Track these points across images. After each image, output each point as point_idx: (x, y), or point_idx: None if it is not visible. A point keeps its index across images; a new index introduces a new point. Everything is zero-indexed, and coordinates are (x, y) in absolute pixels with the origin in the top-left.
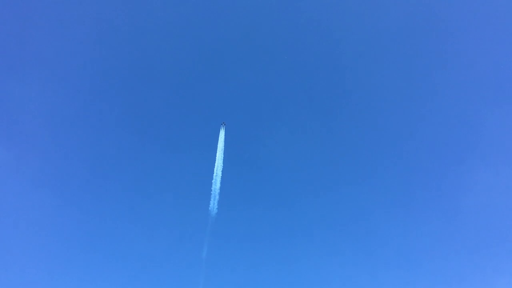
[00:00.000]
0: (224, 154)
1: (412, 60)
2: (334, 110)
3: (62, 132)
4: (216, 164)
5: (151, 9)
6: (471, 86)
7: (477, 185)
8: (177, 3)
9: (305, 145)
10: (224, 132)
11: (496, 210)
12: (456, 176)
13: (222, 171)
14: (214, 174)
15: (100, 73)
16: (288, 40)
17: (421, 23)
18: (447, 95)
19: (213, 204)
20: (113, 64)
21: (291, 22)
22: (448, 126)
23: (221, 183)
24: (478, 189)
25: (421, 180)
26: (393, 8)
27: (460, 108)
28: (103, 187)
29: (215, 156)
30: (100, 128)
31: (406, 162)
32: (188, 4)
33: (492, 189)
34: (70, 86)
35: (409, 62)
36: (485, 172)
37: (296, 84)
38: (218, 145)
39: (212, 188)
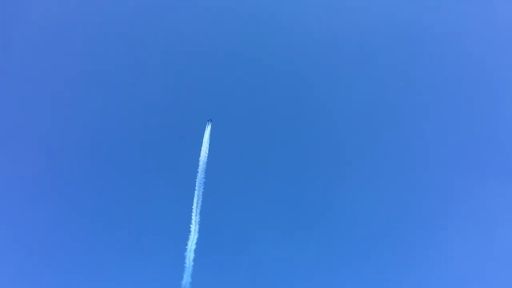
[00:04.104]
0: (199, 225)
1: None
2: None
3: None
4: (190, 238)
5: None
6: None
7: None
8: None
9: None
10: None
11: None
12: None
13: (196, 243)
14: (188, 248)
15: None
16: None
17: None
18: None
19: (186, 278)
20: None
21: None
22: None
23: (194, 254)
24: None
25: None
26: None
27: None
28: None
29: (190, 229)
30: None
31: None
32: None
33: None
34: None
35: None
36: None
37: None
38: (192, 229)
39: (186, 261)
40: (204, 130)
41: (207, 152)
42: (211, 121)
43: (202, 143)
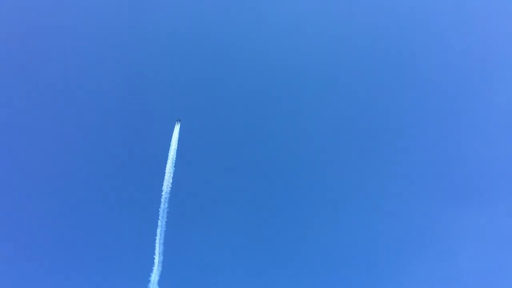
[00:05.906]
0: (163, 256)
1: None
2: None
3: None
4: (154, 269)
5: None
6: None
7: None
8: None
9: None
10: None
11: None
12: None
13: (160, 275)
14: (151, 280)
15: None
16: None
17: None
18: None
19: None
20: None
21: None
22: None
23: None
24: None
25: None
26: None
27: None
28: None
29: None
30: None
31: None
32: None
33: None
34: None
35: None
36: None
37: None
38: (155, 260)
39: None
40: (166, 163)
41: (171, 182)
42: (180, 121)
43: (165, 172)
